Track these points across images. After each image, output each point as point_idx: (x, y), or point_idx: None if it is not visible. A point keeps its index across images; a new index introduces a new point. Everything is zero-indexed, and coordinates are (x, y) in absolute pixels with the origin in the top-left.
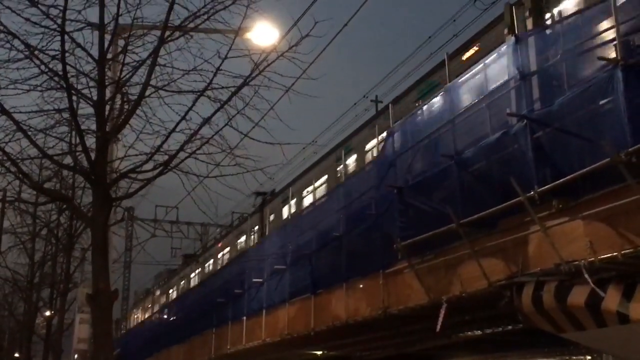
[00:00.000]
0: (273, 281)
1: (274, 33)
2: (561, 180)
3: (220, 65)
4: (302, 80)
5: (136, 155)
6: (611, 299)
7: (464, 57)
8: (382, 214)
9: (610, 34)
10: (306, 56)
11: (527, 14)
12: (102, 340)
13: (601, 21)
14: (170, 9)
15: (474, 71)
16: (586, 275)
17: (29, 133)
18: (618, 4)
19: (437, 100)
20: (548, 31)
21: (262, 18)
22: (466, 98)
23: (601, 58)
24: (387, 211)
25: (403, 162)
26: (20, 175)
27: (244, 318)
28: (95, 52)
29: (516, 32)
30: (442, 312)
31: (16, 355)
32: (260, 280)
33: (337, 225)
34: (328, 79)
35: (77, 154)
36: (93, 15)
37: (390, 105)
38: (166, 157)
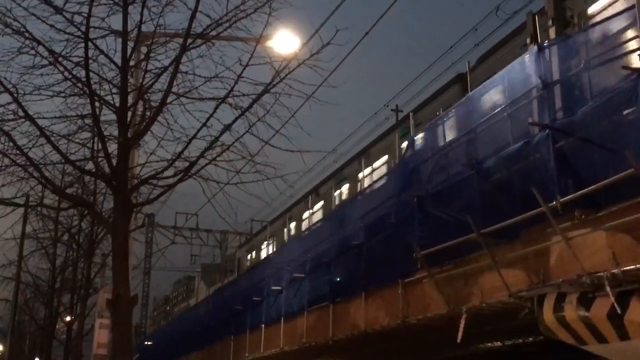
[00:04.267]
0: (292, 289)
1: (295, 41)
2: (584, 190)
3: (242, 72)
4: (323, 88)
5: (157, 161)
6: (635, 312)
7: None
8: (401, 223)
9: (635, 44)
10: (327, 64)
11: (549, 22)
12: (121, 345)
13: (625, 30)
14: (193, 16)
15: (495, 80)
16: (608, 288)
17: (52, 139)
18: None
19: (458, 109)
20: (571, 40)
21: (283, 26)
22: (488, 107)
23: (626, 67)
24: (406, 220)
25: (423, 171)
26: (43, 181)
27: (263, 326)
28: (118, 59)
29: (539, 40)
30: (462, 322)
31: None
32: (279, 288)
33: (357, 233)
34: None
35: (99, 159)
36: (116, 22)
37: (410, 114)
38: (187, 164)
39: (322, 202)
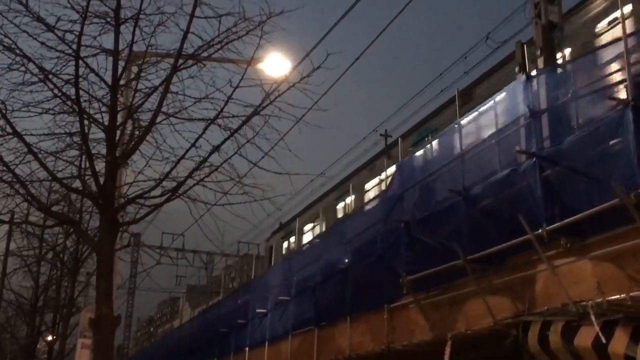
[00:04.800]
0: (277, 312)
1: (286, 64)
2: (570, 219)
3: (232, 94)
4: (313, 111)
5: (145, 181)
6: (619, 342)
7: None
8: (388, 248)
9: (621, 75)
10: (318, 87)
11: (538, 52)
12: None
13: (612, 62)
14: (185, 37)
15: (484, 107)
16: (593, 317)
17: (40, 156)
18: (629, 46)
19: (446, 136)
20: (559, 70)
21: (274, 49)
22: (476, 134)
23: (612, 98)
24: (393, 245)
25: (411, 197)
26: (28, 198)
27: (247, 349)
28: (108, 77)
29: (527, 70)
30: (448, 349)
31: None
32: (264, 310)
33: (343, 257)
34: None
35: (86, 178)
36: (108, 41)
37: (399, 139)
38: (174, 184)
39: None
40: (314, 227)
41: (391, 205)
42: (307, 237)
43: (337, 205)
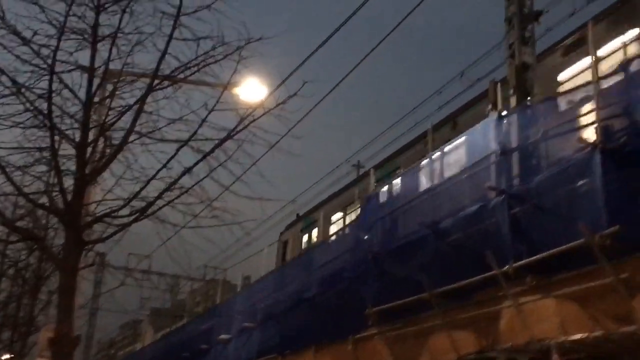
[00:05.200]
0: (241, 339)
1: (262, 89)
2: (536, 257)
3: (207, 117)
4: (288, 138)
5: (113, 200)
6: None
7: None
8: (356, 279)
9: (591, 117)
10: (293, 114)
11: (511, 91)
12: None
13: (583, 104)
14: (162, 58)
15: (457, 143)
16: (555, 356)
17: (7, 169)
18: (601, 88)
19: (419, 169)
20: (530, 110)
21: (252, 74)
22: (448, 169)
23: (581, 140)
24: (361, 276)
25: (380, 228)
26: None
27: None
28: (82, 94)
29: (499, 108)
30: None
31: None
32: (228, 336)
33: (310, 286)
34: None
35: (54, 194)
36: (84, 58)
37: (372, 170)
38: (144, 204)
39: (464, 139)
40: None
41: (361, 236)
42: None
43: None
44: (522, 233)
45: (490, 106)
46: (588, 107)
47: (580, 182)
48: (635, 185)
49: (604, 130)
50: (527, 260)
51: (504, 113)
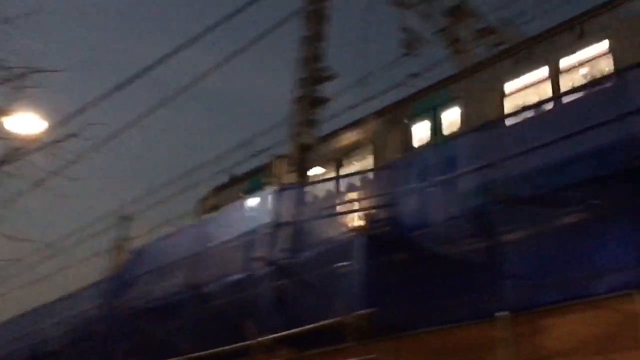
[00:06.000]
0: None
1: (41, 124)
2: (293, 330)
3: None
4: (63, 179)
5: None
6: None
7: None
8: (107, 333)
9: (360, 205)
10: (71, 154)
11: (291, 168)
12: None
13: (352, 191)
14: None
15: (232, 209)
16: None
17: None
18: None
19: (190, 229)
20: (303, 189)
21: (32, 105)
22: (221, 232)
23: (345, 225)
24: (112, 330)
25: (144, 283)
26: None
27: None
28: None
29: (279, 183)
30: None
31: None
32: None
33: (57, 336)
34: (93, 182)
35: None
36: None
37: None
38: None
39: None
40: None
41: (116, 289)
42: None
43: None
44: (284, 306)
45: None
46: (357, 194)
47: (344, 263)
48: (392, 272)
49: (367, 218)
50: (285, 332)
51: (281, 188)
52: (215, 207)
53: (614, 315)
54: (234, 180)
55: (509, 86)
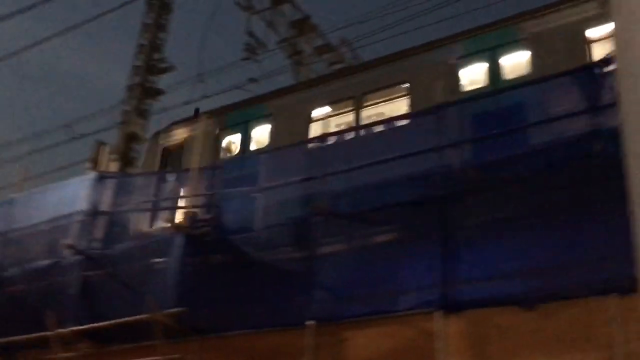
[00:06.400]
0: None
1: None
2: (98, 324)
3: None
4: None
5: None
6: None
7: None
8: None
9: (183, 202)
10: None
11: (115, 157)
12: None
13: (176, 188)
14: None
15: (47, 190)
16: None
17: None
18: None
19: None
20: (127, 179)
21: None
22: (30, 214)
23: (166, 221)
24: None
25: None
26: None
27: None
28: None
29: (100, 169)
30: None
31: None
32: None
33: None
34: None
35: None
36: None
37: None
38: None
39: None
40: None
41: None
42: None
43: None
44: (91, 298)
45: (90, 164)
46: (181, 192)
47: (158, 260)
48: (208, 273)
49: (188, 216)
50: (88, 326)
51: (101, 175)
52: None
53: (412, 331)
54: None
55: (315, 113)
